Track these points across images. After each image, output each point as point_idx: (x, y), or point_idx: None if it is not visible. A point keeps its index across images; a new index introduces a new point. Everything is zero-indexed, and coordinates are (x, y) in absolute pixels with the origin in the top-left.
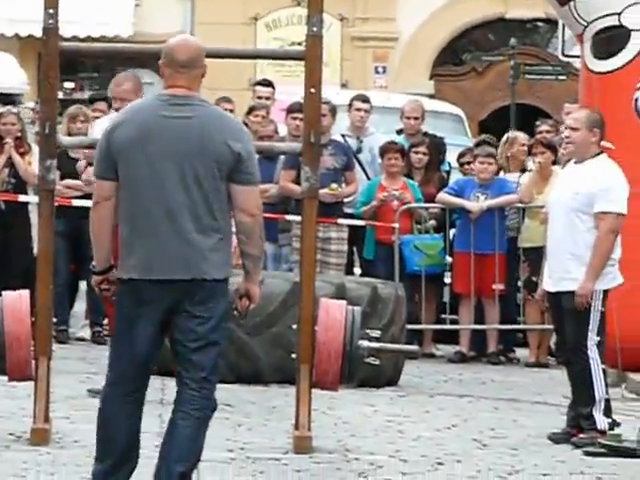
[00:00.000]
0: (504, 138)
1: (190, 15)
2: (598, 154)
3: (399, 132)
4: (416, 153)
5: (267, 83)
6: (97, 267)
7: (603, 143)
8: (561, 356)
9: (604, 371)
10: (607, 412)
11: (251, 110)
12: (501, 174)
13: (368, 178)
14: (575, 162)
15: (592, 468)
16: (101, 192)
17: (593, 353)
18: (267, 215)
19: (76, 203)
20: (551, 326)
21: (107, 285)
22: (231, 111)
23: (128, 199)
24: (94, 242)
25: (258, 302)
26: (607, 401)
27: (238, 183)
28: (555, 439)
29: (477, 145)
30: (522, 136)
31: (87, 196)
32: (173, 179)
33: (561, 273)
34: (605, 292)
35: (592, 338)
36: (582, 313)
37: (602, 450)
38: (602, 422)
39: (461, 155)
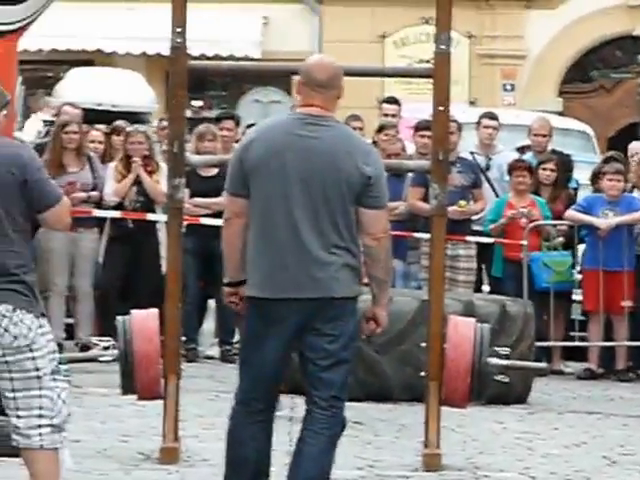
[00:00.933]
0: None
1: (318, 33)
2: None
3: (520, 150)
4: (544, 170)
5: (393, 100)
6: (228, 279)
7: None
8: None
9: None
10: None
11: (381, 129)
12: (635, 192)
13: (497, 195)
14: None
15: None
16: (233, 208)
17: None
18: (396, 233)
19: (205, 221)
20: None
21: (237, 299)
22: (360, 129)
23: (257, 216)
24: (225, 256)
25: (386, 323)
26: None
27: (366, 206)
28: None
29: (605, 162)
30: None
31: (216, 214)
32: (302, 198)
33: None
34: None
35: None
36: None
37: None
38: None
39: (595, 174)
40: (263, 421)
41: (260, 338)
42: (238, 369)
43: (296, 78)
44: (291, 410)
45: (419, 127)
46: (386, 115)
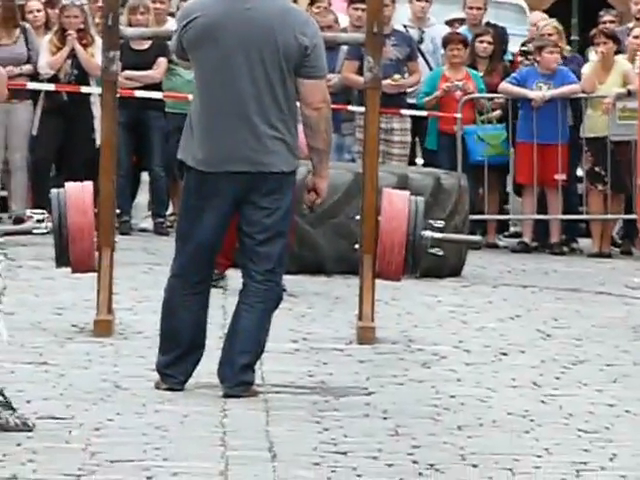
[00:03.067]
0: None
1: None
2: None
3: (449, 23)
4: (481, 42)
5: None
6: None
7: None
8: None
9: None
10: None
11: (313, 1)
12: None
13: (430, 69)
14: None
15: None
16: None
17: None
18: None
19: (138, 94)
20: (613, 216)
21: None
22: (294, 1)
23: (199, 88)
24: None
25: (326, 194)
26: None
27: (304, 77)
28: None
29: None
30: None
31: (149, 87)
32: (242, 71)
33: None
34: None
35: None
36: None
37: None
38: None
39: (523, 44)
40: (199, 293)
41: (197, 211)
42: (175, 241)
43: None
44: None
45: (352, 0)
46: None
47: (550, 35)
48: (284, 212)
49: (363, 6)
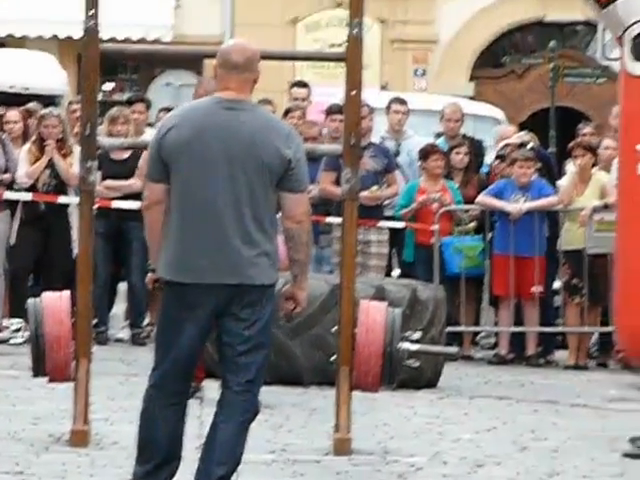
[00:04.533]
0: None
1: (230, 17)
2: None
3: (439, 135)
4: (457, 154)
5: (303, 84)
6: (152, 265)
7: (638, 147)
8: None
9: None
10: None
11: (287, 112)
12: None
13: (407, 181)
14: None
15: (633, 471)
16: (152, 195)
17: None
18: None
19: (116, 205)
20: (590, 328)
21: (160, 284)
22: (272, 112)
23: (177, 200)
24: (149, 242)
25: (305, 304)
26: None
27: (286, 190)
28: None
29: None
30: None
31: (127, 197)
32: (223, 184)
33: None
34: None
35: None
36: None
37: None
38: None
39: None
40: (177, 404)
41: (177, 322)
42: (154, 351)
43: (208, 62)
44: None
45: (330, 111)
46: (295, 99)
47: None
48: (264, 324)
49: (340, 117)
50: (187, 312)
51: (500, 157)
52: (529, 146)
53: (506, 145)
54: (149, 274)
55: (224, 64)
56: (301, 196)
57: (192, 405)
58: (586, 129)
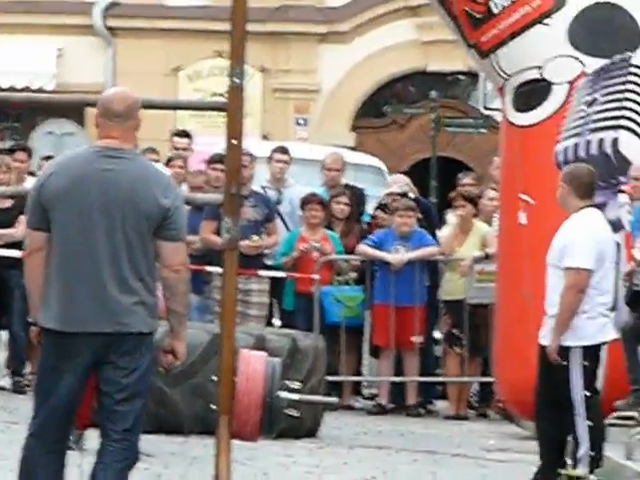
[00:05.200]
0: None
1: (112, 65)
2: (584, 207)
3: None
4: (337, 203)
5: (185, 134)
6: (34, 317)
7: (522, 196)
8: (542, 409)
9: (590, 427)
10: (592, 467)
11: (169, 161)
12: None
13: (288, 230)
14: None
15: None
16: (33, 243)
17: (578, 409)
18: (191, 267)
19: None
20: (470, 378)
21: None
22: (156, 161)
23: (56, 248)
24: (29, 292)
25: (184, 356)
26: (592, 457)
27: (164, 239)
28: None
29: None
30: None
31: (9, 245)
32: (100, 233)
33: (548, 327)
34: (587, 348)
35: (578, 393)
36: (564, 369)
37: None
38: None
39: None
40: (57, 452)
41: (56, 371)
42: (33, 400)
43: (90, 110)
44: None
45: (212, 160)
46: (177, 148)
47: (404, 193)
48: (142, 372)
49: (222, 166)
50: (66, 361)
51: (382, 207)
52: (410, 195)
53: (388, 194)
54: (32, 327)
55: (105, 113)
56: (179, 245)
57: (73, 454)
58: (466, 179)
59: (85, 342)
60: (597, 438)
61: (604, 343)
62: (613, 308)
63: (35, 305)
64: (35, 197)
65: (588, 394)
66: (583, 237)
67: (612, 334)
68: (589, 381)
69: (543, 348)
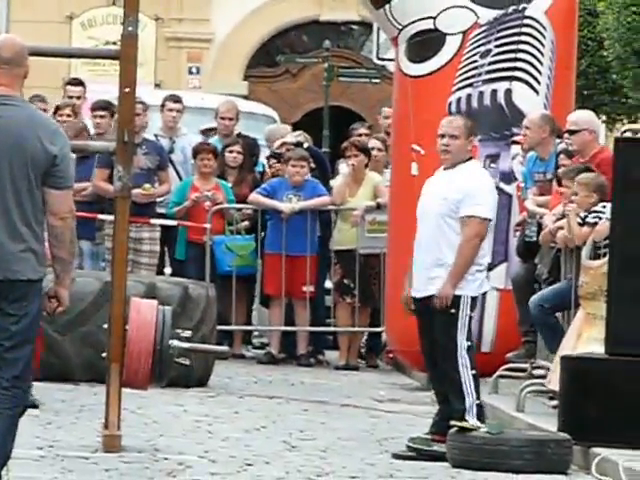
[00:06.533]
0: None
1: (6, 13)
2: (468, 159)
3: (204, 132)
4: (230, 152)
5: (77, 82)
6: None
7: (414, 146)
8: (427, 362)
9: (474, 376)
10: (480, 417)
11: (57, 109)
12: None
13: (180, 179)
14: (445, 168)
15: (401, 472)
16: None
17: (463, 359)
18: (82, 214)
19: None
20: (361, 329)
21: None
22: (45, 110)
23: None
24: None
25: (68, 302)
26: (479, 406)
27: (51, 187)
28: (414, 446)
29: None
30: None
31: None
32: None
33: (428, 279)
34: (473, 298)
35: (462, 343)
36: (451, 318)
37: (411, 454)
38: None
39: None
40: None
41: None
42: None
43: None
44: None
45: (95, 107)
46: (70, 97)
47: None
48: (31, 319)
49: (103, 113)
50: None
51: (275, 156)
52: (305, 145)
53: (282, 144)
54: None
55: None
56: (66, 193)
57: None
58: (360, 129)
59: None
60: (478, 388)
61: (484, 294)
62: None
63: None
64: None
65: (470, 344)
66: (486, 187)
67: (488, 286)
68: (470, 331)
69: (421, 301)
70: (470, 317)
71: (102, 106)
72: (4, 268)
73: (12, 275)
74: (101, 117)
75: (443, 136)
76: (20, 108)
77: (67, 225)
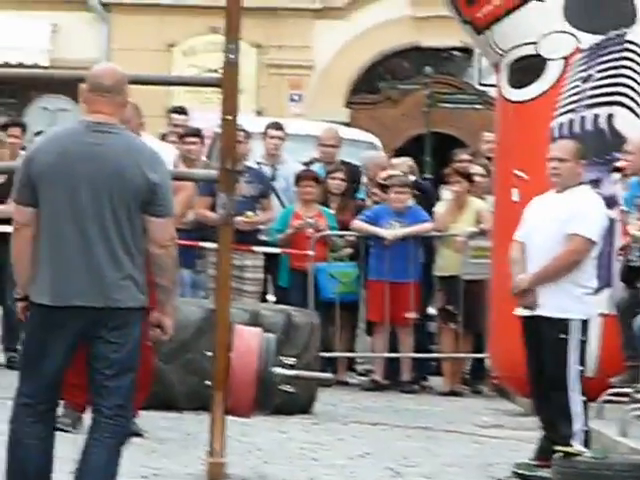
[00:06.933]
0: None
1: (107, 41)
2: (580, 184)
3: (307, 164)
4: (333, 179)
5: (181, 110)
6: (20, 293)
7: (516, 172)
8: (534, 386)
9: (583, 402)
10: (586, 442)
11: (163, 137)
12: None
13: (283, 206)
14: (556, 191)
15: None
16: (21, 218)
17: (573, 384)
18: (183, 242)
19: None
20: (465, 355)
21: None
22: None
23: (44, 223)
24: (15, 268)
25: (172, 331)
26: (586, 432)
27: (151, 214)
28: (519, 472)
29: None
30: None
31: (3, 221)
32: (90, 207)
33: (540, 299)
34: (584, 322)
35: (573, 368)
36: (561, 343)
37: (516, 479)
38: None
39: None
40: (44, 422)
41: (43, 343)
42: (19, 372)
43: (83, 86)
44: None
45: (186, 134)
46: (176, 125)
47: (405, 173)
48: (132, 347)
49: (195, 139)
50: (54, 333)
51: (382, 186)
52: (411, 178)
53: (389, 177)
54: (18, 303)
55: (94, 88)
56: (167, 221)
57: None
58: (462, 155)
59: (74, 316)
60: (587, 413)
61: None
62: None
63: (22, 280)
64: (24, 172)
65: (582, 369)
66: (597, 211)
67: (597, 310)
68: (582, 356)
69: (529, 322)
70: (582, 341)
71: (194, 133)
72: (105, 296)
73: (113, 303)
74: (193, 144)
75: (553, 159)
76: (120, 136)
77: (169, 253)
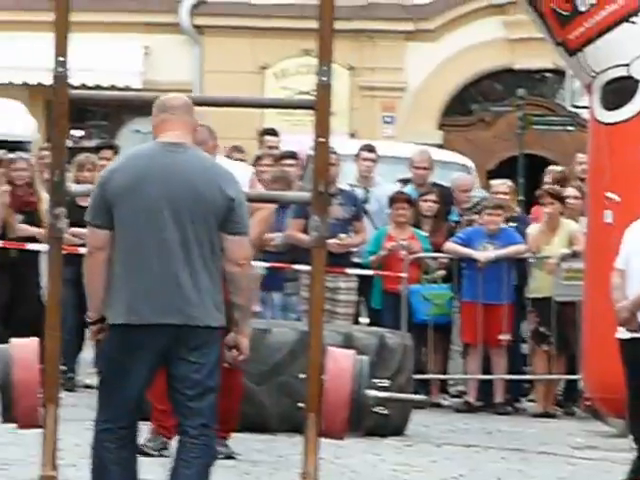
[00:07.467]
0: None
1: (199, 64)
2: None
3: (402, 182)
4: (425, 202)
5: (274, 132)
6: (92, 317)
7: (608, 194)
8: (632, 407)
9: None
10: None
11: (258, 159)
12: None
13: (375, 228)
14: None
15: None
16: (95, 241)
17: None
18: (274, 264)
19: (83, 251)
20: (558, 376)
21: (104, 334)
22: (242, 160)
23: (122, 244)
24: (88, 291)
25: (248, 351)
26: None
27: (228, 232)
28: None
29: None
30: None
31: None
32: (168, 226)
33: None
34: None
35: None
36: None
37: None
38: None
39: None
40: (127, 446)
41: (123, 365)
42: (98, 396)
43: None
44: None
45: (283, 156)
46: (270, 147)
47: (505, 194)
48: (212, 367)
49: (292, 162)
50: (134, 353)
51: (475, 210)
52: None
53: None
54: (91, 326)
55: (162, 109)
56: (242, 239)
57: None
58: (547, 177)
59: (153, 334)
60: None
61: None
62: None
63: (94, 304)
64: (99, 194)
65: None
66: None
67: None
68: None
69: (629, 344)
70: None
71: (291, 155)
72: (185, 315)
73: (192, 321)
74: (290, 166)
75: None
76: (193, 154)
77: (244, 272)
